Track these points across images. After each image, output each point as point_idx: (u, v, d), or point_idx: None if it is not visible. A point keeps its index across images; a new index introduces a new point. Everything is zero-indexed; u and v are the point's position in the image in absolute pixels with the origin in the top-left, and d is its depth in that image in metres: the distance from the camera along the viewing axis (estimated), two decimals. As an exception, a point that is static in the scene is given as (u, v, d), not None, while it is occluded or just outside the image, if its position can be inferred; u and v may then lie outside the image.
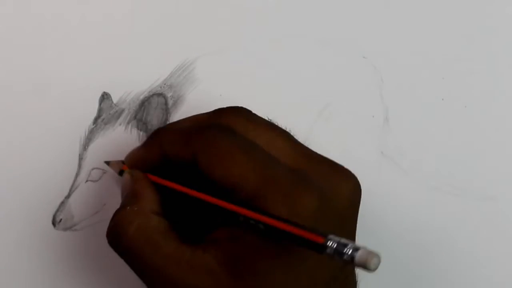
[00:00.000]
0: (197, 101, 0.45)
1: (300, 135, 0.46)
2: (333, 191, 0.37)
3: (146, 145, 0.40)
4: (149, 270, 0.37)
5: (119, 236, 0.37)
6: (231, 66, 0.46)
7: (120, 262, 0.44)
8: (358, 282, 0.40)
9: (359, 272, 0.38)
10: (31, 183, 0.44)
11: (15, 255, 0.44)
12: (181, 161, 0.38)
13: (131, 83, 0.45)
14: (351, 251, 0.32)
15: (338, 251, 0.32)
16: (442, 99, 0.48)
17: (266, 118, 0.40)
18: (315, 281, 0.36)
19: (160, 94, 0.45)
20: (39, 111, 0.44)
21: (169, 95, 0.45)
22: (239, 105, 0.40)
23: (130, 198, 0.38)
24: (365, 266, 0.31)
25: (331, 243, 0.32)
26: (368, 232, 0.43)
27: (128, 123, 0.45)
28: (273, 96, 0.46)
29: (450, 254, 0.47)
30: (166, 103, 0.45)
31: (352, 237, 0.39)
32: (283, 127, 0.40)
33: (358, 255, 0.31)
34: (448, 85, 0.48)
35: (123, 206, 0.38)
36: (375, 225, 0.46)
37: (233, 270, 0.36)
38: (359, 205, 0.39)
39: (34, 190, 0.44)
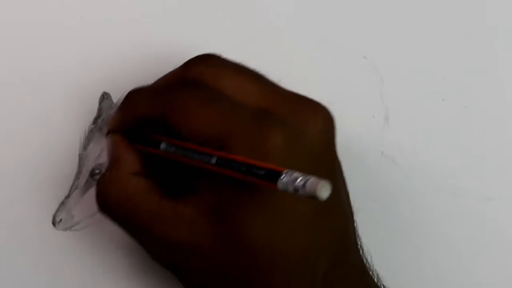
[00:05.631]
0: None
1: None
2: (301, 127, 0.37)
3: (121, 109, 0.41)
4: (135, 230, 0.38)
5: (103, 202, 0.39)
6: (231, 66, 0.46)
7: (120, 262, 0.44)
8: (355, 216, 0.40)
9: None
10: (31, 183, 0.44)
11: (15, 255, 0.44)
12: (154, 121, 0.39)
13: (131, 83, 0.45)
14: (302, 182, 0.32)
15: (292, 184, 0.32)
16: (442, 99, 0.48)
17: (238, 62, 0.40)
18: (296, 219, 0.36)
19: (160, 94, 0.45)
20: (39, 111, 0.44)
21: (169, 95, 0.45)
22: (209, 53, 0.40)
23: (110, 163, 0.40)
24: (315, 195, 0.31)
25: (284, 177, 0.33)
26: (368, 232, 0.43)
27: (128, 123, 0.45)
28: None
29: (449, 254, 0.47)
30: (166, 103, 0.45)
31: (330, 172, 0.39)
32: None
33: (308, 185, 0.32)
34: (448, 85, 0.48)
35: (104, 173, 0.40)
36: (375, 225, 0.46)
37: (213, 219, 0.36)
38: (333, 138, 0.39)
39: (34, 190, 0.44)
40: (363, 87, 0.47)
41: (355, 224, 0.41)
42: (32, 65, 0.44)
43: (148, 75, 0.45)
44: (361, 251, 0.41)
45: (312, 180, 0.32)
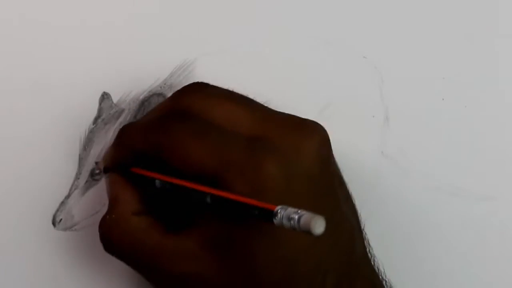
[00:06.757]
0: (197, 101, 0.45)
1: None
2: (296, 151, 0.37)
3: (115, 145, 0.41)
4: (141, 267, 0.39)
5: (107, 243, 0.39)
6: (231, 66, 0.46)
7: (120, 262, 0.44)
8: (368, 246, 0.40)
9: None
10: (31, 183, 0.44)
11: (15, 255, 0.44)
12: (148, 155, 0.39)
13: (131, 83, 0.45)
14: (296, 219, 0.32)
15: (287, 221, 0.33)
16: (442, 99, 0.48)
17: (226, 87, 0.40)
18: (299, 242, 0.36)
19: (160, 94, 0.45)
20: (39, 111, 0.44)
21: (169, 95, 0.45)
22: (196, 81, 0.40)
23: (109, 205, 0.40)
24: (310, 231, 0.31)
25: (278, 214, 0.33)
26: (367, 231, 0.43)
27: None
28: (273, 96, 0.46)
29: (449, 254, 0.47)
30: (166, 103, 0.45)
31: (330, 192, 0.39)
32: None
33: (302, 221, 0.32)
34: (448, 85, 0.48)
35: (104, 216, 0.40)
36: (375, 225, 0.46)
37: (216, 251, 0.37)
38: (329, 156, 0.39)
39: (34, 190, 0.44)
40: (363, 87, 0.47)
41: (363, 235, 0.41)
42: (32, 65, 0.44)
43: (148, 75, 0.45)
44: (372, 261, 0.41)
45: (305, 216, 0.32)
